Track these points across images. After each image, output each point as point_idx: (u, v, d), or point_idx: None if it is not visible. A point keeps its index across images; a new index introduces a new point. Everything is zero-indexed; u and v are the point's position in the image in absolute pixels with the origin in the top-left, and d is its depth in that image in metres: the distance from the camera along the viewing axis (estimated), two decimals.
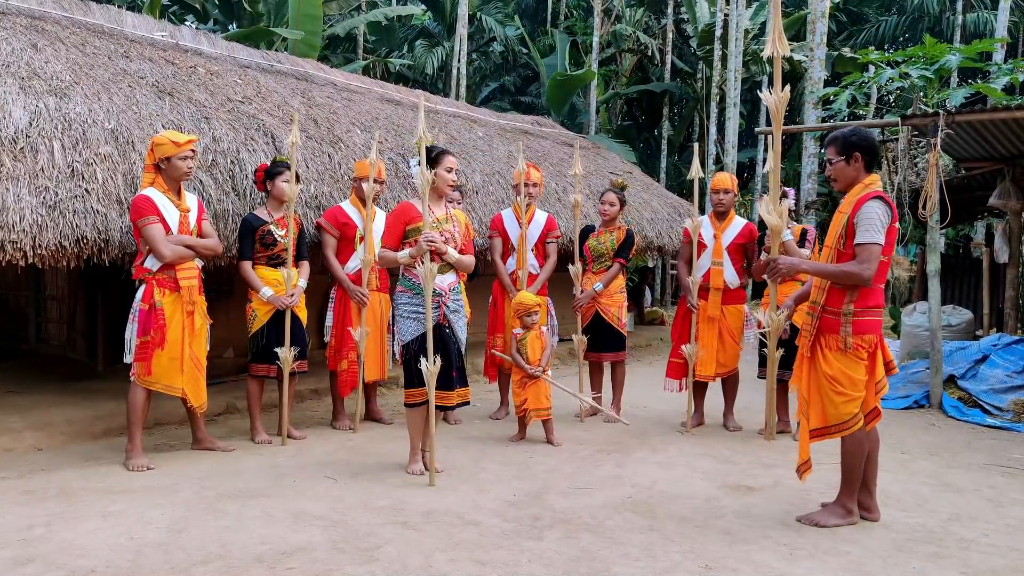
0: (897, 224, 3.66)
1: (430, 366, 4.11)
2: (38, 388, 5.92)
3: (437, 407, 4.43)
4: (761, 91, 4.53)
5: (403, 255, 4.26)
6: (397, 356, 4.41)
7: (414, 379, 4.29)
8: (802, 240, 5.47)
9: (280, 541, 3.30)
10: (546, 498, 3.99)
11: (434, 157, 4.33)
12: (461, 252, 4.44)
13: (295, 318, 5.04)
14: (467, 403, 4.60)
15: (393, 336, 4.75)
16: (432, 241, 4.15)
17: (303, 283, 5.11)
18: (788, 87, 3.86)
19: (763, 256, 5.59)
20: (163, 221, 4.37)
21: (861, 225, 3.54)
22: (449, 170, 4.36)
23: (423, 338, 4.22)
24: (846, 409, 3.60)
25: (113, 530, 3.38)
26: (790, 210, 5.53)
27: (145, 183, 4.46)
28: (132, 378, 4.39)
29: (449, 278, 4.41)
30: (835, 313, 3.63)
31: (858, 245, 3.55)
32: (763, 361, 5.57)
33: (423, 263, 4.16)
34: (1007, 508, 4.03)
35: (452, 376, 4.41)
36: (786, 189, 5.56)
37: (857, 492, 3.72)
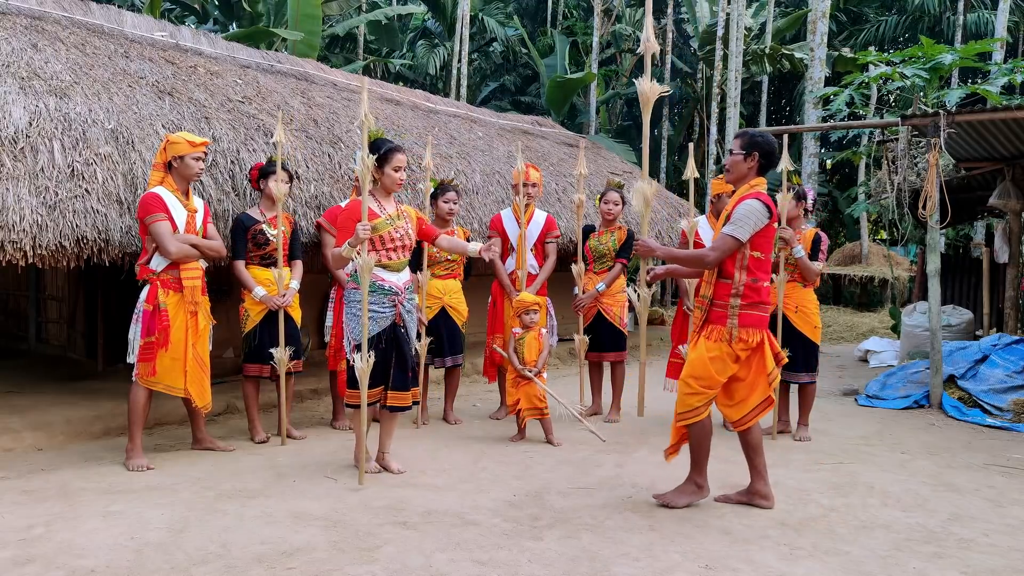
0: (776, 224, 3.86)
1: (364, 365, 4.01)
2: (38, 388, 5.92)
3: (393, 408, 4.34)
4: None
5: (343, 247, 4.06)
6: (348, 355, 4.24)
7: (370, 379, 4.14)
8: (815, 249, 5.40)
9: (280, 541, 3.30)
10: (546, 498, 3.99)
11: (383, 155, 4.20)
12: (416, 244, 4.45)
13: (289, 318, 5.03)
14: (417, 402, 4.53)
15: (345, 336, 4.45)
16: (367, 229, 4.01)
17: (295, 284, 5.09)
18: (656, 83, 3.93)
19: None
20: (171, 219, 4.38)
21: (732, 218, 3.73)
22: (397, 169, 4.24)
23: (378, 338, 4.15)
24: (689, 401, 3.79)
25: (113, 530, 3.38)
26: (806, 210, 5.53)
27: (153, 182, 4.47)
28: (135, 378, 4.39)
29: (404, 276, 4.32)
30: (722, 306, 3.78)
31: (719, 234, 3.76)
32: None
33: (359, 256, 4.02)
34: (1007, 508, 4.03)
35: (407, 377, 4.31)
36: (805, 188, 5.55)
37: (705, 469, 3.94)
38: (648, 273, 4.12)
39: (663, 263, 4.29)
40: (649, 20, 3.86)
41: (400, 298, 4.25)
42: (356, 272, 4.12)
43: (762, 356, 3.83)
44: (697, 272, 4.04)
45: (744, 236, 3.70)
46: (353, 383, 4.17)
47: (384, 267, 4.20)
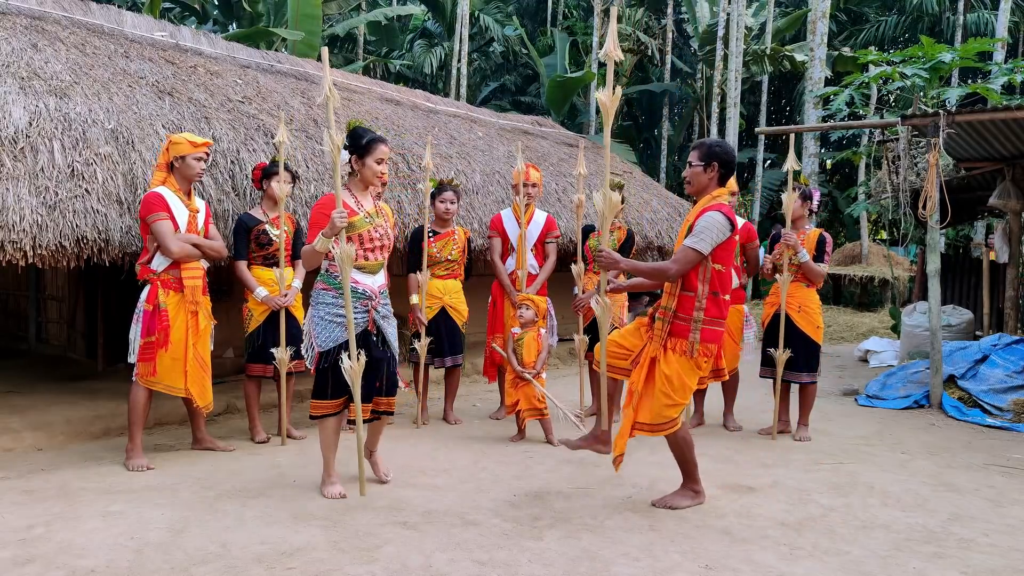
0: (737, 237, 3.87)
1: (355, 374, 3.72)
2: (38, 388, 5.92)
3: (367, 420, 4.04)
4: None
5: (317, 240, 3.68)
6: (309, 363, 3.91)
7: (328, 389, 3.85)
8: (820, 250, 5.38)
9: (280, 541, 3.30)
10: (546, 498, 4.00)
11: (364, 145, 3.85)
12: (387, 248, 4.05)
13: (291, 318, 5.03)
14: (391, 412, 4.16)
15: (307, 340, 3.97)
16: (343, 217, 3.64)
17: (298, 284, 5.09)
18: (619, 89, 3.89)
19: (768, 258, 5.59)
20: (172, 219, 4.39)
21: (694, 231, 3.72)
22: (379, 161, 3.88)
23: (346, 347, 3.80)
24: (668, 413, 3.76)
25: (113, 530, 3.39)
26: (810, 211, 5.54)
27: (156, 182, 4.49)
28: (135, 378, 4.39)
29: (379, 280, 3.96)
30: (686, 319, 3.75)
31: (681, 247, 3.74)
32: (765, 361, 5.57)
33: (338, 246, 3.67)
34: (1007, 508, 4.03)
35: (374, 387, 3.98)
36: (811, 190, 5.57)
37: (697, 475, 3.93)
38: (608, 284, 4.11)
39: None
40: (613, 27, 3.83)
41: (374, 303, 3.92)
42: (326, 272, 3.86)
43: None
44: (659, 284, 4.03)
45: (706, 249, 3.68)
46: (321, 393, 3.88)
47: (359, 268, 3.87)
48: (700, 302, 3.73)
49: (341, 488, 3.93)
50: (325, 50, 3.85)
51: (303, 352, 3.95)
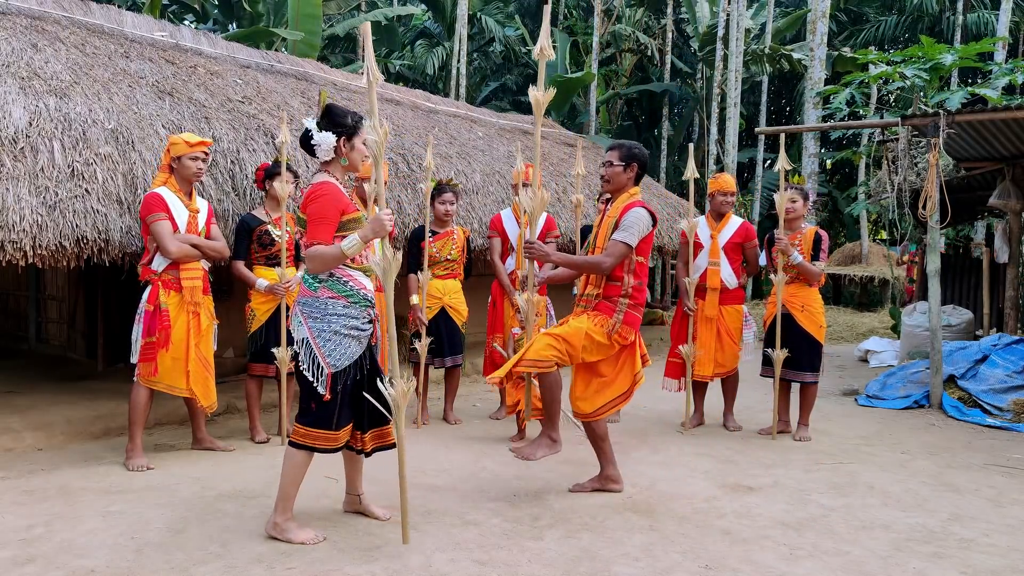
0: (655, 231, 4.08)
1: (400, 400, 3.13)
2: (38, 388, 5.92)
3: (381, 449, 3.55)
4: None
5: (349, 244, 3.15)
6: (322, 389, 3.25)
7: (335, 416, 3.27)
8: (816, 248, 5.40)
9: (280, 541, 3.30)
10: (546, 498, 4.00)
11: (352, 124, 3.32)
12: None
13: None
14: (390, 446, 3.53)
15: (309, 360, 3.28)
16: (391, 219, 3.15)
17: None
18: (552, 89, 4.03)
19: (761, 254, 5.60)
20: (172, 219, 4.39)
21: (622, 226, 3.95)
22: (366, 143, 3.28)
23: (359, 364, 3.31)
24: (544, 353, 3.87)
25: (113, 530, 3.39)
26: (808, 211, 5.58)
27: (157, 183, 4.50)
28: (136, 378, 4.39)
29: (373, 282, 3.42)
30: (612, 301, 3.98)
31: (611, 241, 3.95)
32: (766, 360, 5.57)
33: (377, 252, 3.15)
34: (1007, 508, 4.03)
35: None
36: (806, 189, 5.59)
37: (558, 424, 4.07)
38: (536, 279, 4.18)
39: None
40: (546, 28, 3.90)
41: (379, 310, 3.49)
42: (332, 277, 3.29)
43: (631, 356, 4.05)
44: (573, 276, 4.25)
45: (634, 242, 3.92)
46: (325, 422, 3.28)
47: (364, 270, 3.36)
48: (626, 289, 3.97)
49: (314, 533, 3.35)
50: (367, 26, 3.24)
51: (309, 375, 3.27)
